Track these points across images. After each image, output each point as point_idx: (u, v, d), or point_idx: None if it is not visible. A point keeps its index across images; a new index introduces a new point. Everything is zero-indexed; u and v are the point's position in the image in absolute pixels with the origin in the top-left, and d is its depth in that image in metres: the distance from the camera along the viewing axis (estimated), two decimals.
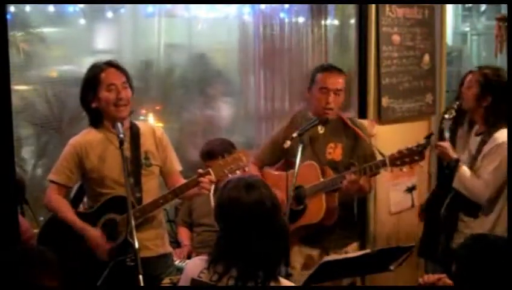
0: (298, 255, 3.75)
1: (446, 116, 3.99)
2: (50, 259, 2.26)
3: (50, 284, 2.16)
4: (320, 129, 3.79)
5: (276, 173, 3.87)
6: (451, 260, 2.86)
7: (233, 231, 2.44)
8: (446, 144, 3.82)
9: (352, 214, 3.87)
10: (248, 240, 2.40)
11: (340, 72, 3.83)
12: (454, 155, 3.74)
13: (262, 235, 2.41)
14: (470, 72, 3.91)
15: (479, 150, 3.70)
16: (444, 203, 3.81)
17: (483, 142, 3.69)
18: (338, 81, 3.75)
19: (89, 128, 3.47)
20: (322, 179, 3.65)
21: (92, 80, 3.39)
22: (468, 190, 3.67)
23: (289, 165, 3.60)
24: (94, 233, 3.32)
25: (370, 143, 3.84)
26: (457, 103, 3.91)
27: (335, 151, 3.75)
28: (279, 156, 3.87)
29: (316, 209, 3.65)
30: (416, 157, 3.41)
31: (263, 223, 2.42)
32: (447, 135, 3.95)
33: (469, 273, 2.59)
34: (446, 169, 3.78)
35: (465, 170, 3.68)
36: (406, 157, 3.42)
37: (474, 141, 3.77)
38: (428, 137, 3.47)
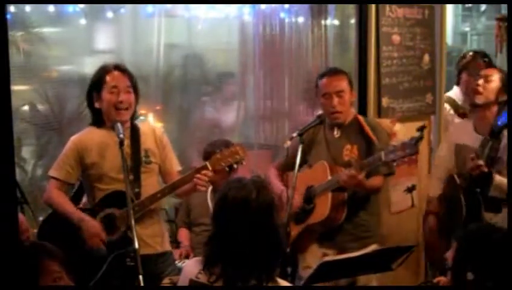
0: (314, 255, 3.75)
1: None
2: (53, 249, 2.61)
3: (56, 268, 2.54)
4: (337, 133, 3.80)
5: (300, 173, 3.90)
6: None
7: (221, 231, 2.46)
8: (482, 162, 3.63)
9: (371, 215, 3.84)
10: (236, 241, 2.40)
11: (339, 73, 3.83)
12: (486, 169, 3.63)
13: (252, 236, 2.40)
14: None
15: (495, 148, 3.63)
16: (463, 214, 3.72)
17: (498, 141, 3.64)
18: (337, 84, 3.75)
19: (90, 127, 3.52)
20: (330, 178, 3.67)
21: (97, 80, 3.45)
22: (506, 193, 3.59)
23: (309, 166, 3.78)
24: (92, 223, 3.35)
25: (387, 143, 3.75)
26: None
27: (352, 153, 3.75)
28: (301, 160, 3.90)
29: (322, 208, 3.67)
30: (407, 151, 3.37)
31: (250, 223, 2.42)
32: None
33: (468, 256, 2.66)
34: (475, 185, 3.66)
35: (500, 178, 3.61)
36: (399, 151, 3.40)
37: (478, 139, 3.73)
38: (421, 129, 3.39)
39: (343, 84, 3.77)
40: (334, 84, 3.75)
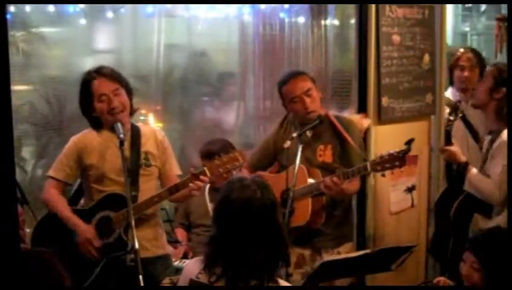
0: (291, 255, 3.75)
1: (451, 117, 3.99)
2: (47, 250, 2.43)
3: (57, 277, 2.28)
4: (309, 133, 3.76)
5: (271, 175, 3.86)
6: (459, 261, 2.91)
7: (223, 231, 2.45)
8: (454, 148, 3.86)
9: (345, 215, 3.86)
10: (238, 241, 2.40)
11: (300, 74, 3.81)
12: (462, 158, 3.75)
13: (254, 236, 2.40)
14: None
15: (488, 148, 3.71)
16: (454, 204, 3.81)
17: (492, 141, 3.69)
18: (303, 84, 3.73)
19: (90, 129, 3.51)
20: (309, 181, 3.65)
21: (84, 91, 3.42)
22: (480, 192, 3.69)
23: (282, 168, 3.65)
24: (86, 230, 3.34)
25: (361, 141, 3.85)
26: (460, 102, 3.93)
27: (325, 153, 3.75)
28: (270, 161, 3.91)
29: (303, 212, 3.65)
30: (397, 163, 3.40)
31: (253, 224, 2.41)
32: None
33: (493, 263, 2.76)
34: (455, 172, 3.79)
35: (474, 172, 3.71)
36: (387, 163, 3.42)
37: (487, 139, 3.80)
38: (408, 143, 3.41)
39: (309, 83, 3.75)
40: (300, 86, 3.73)
